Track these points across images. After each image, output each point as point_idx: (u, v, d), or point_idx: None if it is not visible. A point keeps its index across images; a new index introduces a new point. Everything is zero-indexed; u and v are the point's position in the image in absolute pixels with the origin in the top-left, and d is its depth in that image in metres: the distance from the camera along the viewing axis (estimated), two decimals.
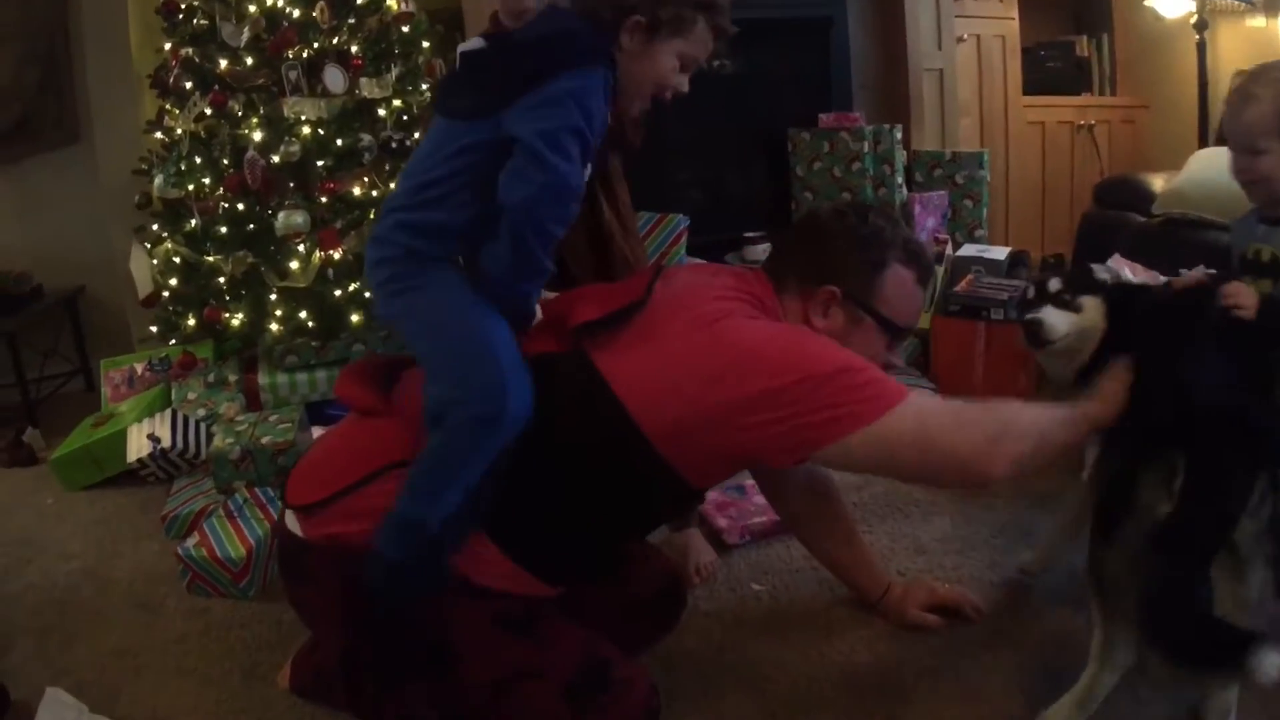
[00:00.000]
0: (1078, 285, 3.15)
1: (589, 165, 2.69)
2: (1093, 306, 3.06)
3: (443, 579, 2.55)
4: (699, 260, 5.70)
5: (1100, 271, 3.28)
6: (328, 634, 2.88)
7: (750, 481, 3.91)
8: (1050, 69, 7.72)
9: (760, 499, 3.80)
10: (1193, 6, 6.74)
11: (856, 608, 3.31)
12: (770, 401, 2.42)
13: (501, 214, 2.51)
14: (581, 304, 2.65)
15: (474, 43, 2.80)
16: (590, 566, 2.86)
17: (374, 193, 5.17)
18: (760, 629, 3.28)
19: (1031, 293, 3.17)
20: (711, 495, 3.94)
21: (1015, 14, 7.15)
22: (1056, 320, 3.06)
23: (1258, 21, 6.78)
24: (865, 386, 2.45)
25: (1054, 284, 3.15)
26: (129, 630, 3.54)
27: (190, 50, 5.22)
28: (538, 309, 2.76)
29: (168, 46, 5.34)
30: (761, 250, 5.99)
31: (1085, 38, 7.86)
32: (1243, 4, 6.64)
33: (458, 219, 2.60)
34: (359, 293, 5.06)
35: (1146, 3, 7.04)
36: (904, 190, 6.27)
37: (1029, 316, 3.09)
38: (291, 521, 2.70)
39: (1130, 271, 4.64)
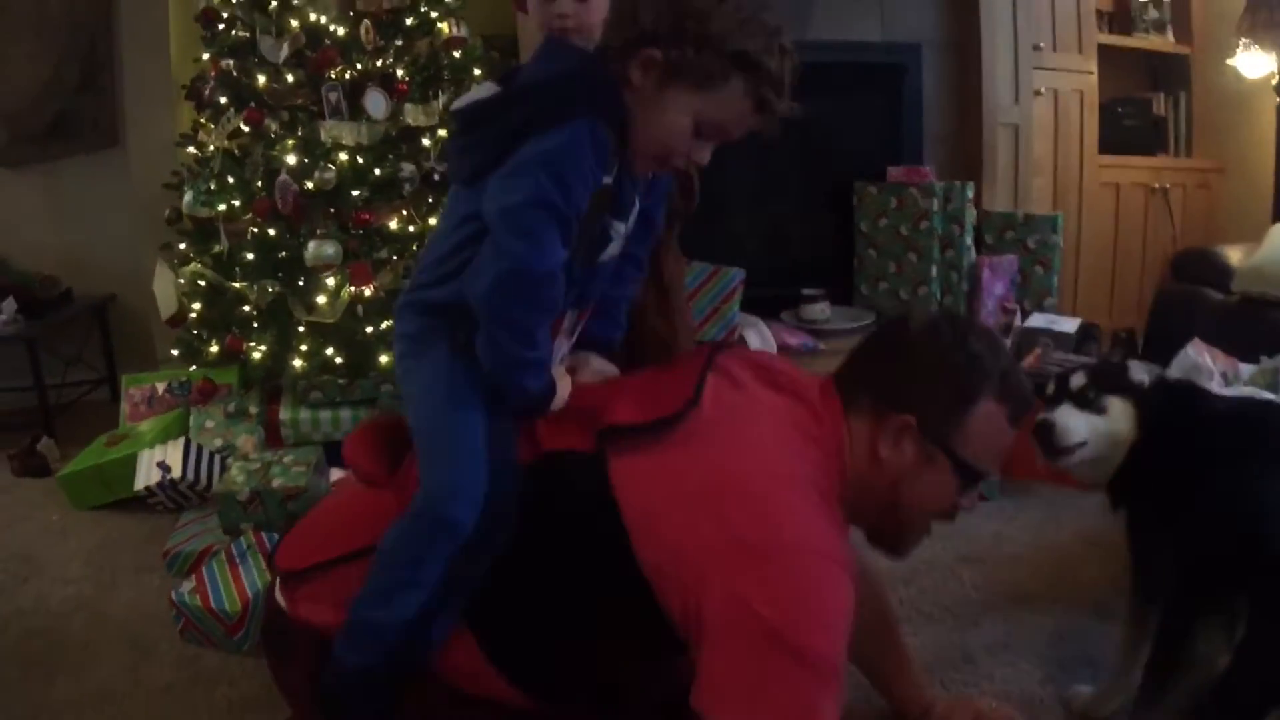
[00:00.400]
0: (1105, 382, 2.90)
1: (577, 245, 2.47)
2: (1120, 410, 2.85)
3: (392, 701, 2.41)
4: (755, 321, 5.57)
5: (1137, 371, 2.95)
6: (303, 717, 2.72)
7: None
8: (1127, 127, 7.52)
9: None
10: (1275, 67, 6.64)
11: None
12: (722, 622, 2.12)
13: None
14: (621, 400, 2.43)
15: (477, 92, 2.59)
16: (574, 689, 2.53)
17: (411, 228, 5.11)
18: None
19: (1051, 387, 2.94)
20: None
21: (1095, 68, 7.00)
22: (1074, 424, 2.86)
23: None
24: (807, 687, 2.10)
25: (1077, 379, 2.92)
26: (116, 671, 3.46)
27: (229, 62, 5.16)
28: (561, 389, 2.50)
29: (206, 57, 5.30)
30: (819, 310, 5.88)
31: (1162, 95, 7.74)
32: None
33: (460, 297, 2.41)
34: (389, 331, 4.82)
35: (1229, 61, 6.92)
36: (973, 253, 6.07)
37: (1042, 417, 2.87)
38: (279, 591, 2.55)
39: (1210, 359, 4.41)
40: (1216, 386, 4.10)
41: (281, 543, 2.68)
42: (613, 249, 2.62)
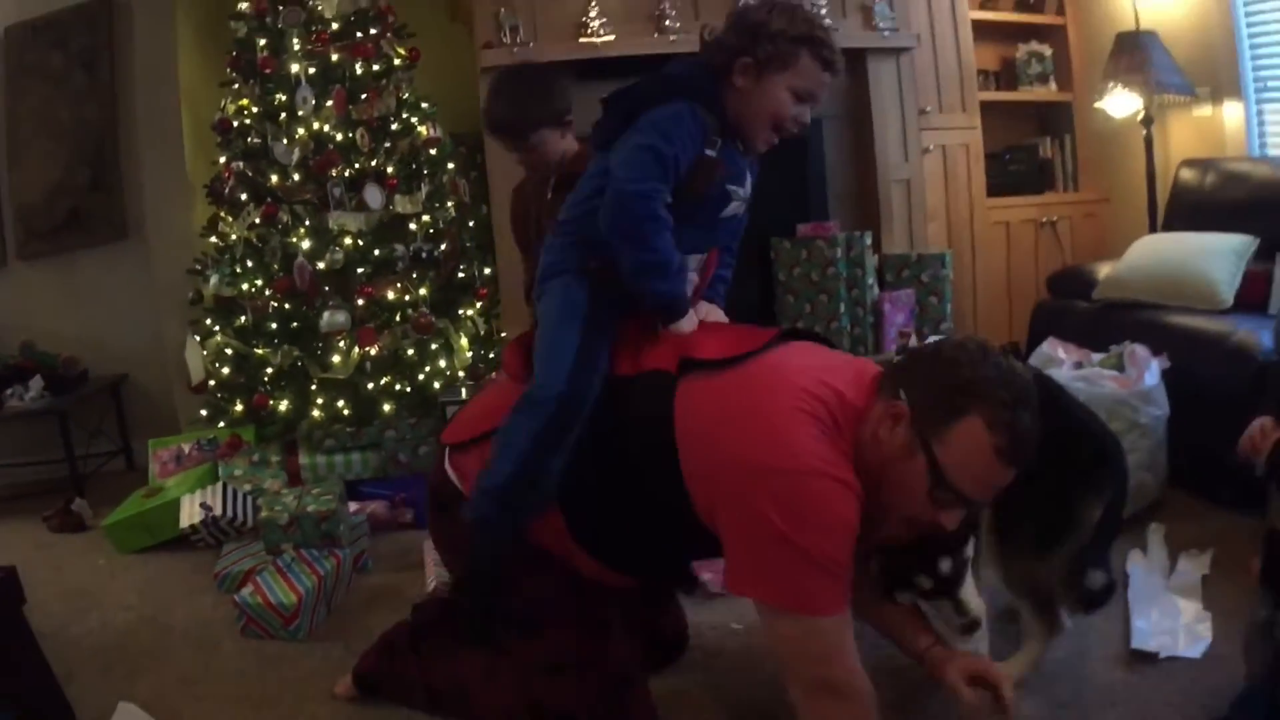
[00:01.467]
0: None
1: (693, 199, 3.11)
2: None
3: (510, 541, 3.11)
4: None
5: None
6: (454, 564, 3.50)
7: None
8: (1013, 171, 8.12)
9: None
10: (1140, 104, 7.09)
11: None
12: (739, 518, 2.68)
13: None
14: (709, 340, 3.00)
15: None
16: (638, 565, 3.25)
17: (406, 297, 5.73)
18: (737, 661, 3.74)
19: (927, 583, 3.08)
20: None
21: (978, 124, 7.62)
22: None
23: (1204, 111, 7.12)
24: (814, 582, 2.61)
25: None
26: (189, 666, 3.95)
27: (243, 165, 5.76)
28: (692, 315, 3.13)
29: (222, 160, 5.87)
30: None
31: (1049, 139, 8.26)
32: (1188, 97, 6.99)
33: (588, 229, 3.13)
34: (391, 384, 5.63)
35: (1098, 105, 7.38)
36: (875, 290, 6.72)
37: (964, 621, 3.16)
38: (447, 462, 3.30)
39: (1063, 352, 5.11)
40: (1066, 372, 4.81)
41: (448, 427, 3.44)
42: (733, 208, 3.25)
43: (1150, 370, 4.79)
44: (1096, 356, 5.09)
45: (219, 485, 5.38)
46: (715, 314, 3.39)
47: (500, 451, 3.08)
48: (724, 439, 2.75)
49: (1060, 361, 4.94)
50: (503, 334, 6.34)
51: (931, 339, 4.59)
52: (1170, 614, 3.78)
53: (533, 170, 4.35)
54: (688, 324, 3.12)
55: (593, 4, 6.43)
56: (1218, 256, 5.61)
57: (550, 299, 3.23)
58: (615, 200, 3.02)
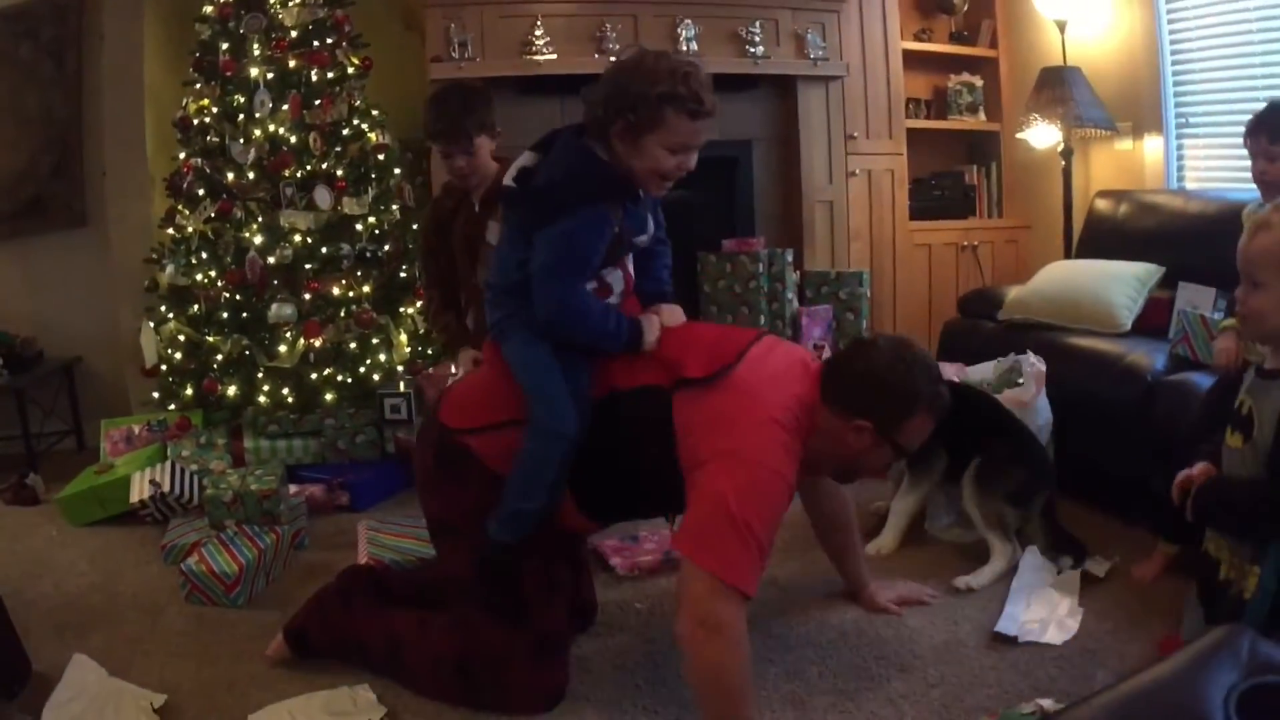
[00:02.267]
0: None
1: (608, 267, 3.51)
2: None
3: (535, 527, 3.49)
4: None
5: None
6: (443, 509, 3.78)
7: (643, 532, 4.82)
8: (938, 196, 8.31)
9: (650, 544, 4.72)
10: (1060, 137, 7.30)
11: None
12: (708, 499, 3.11)
13: None
14: (691, 357, 3.37)
15: (515, 169, 3.51)
16: (629, 516, 3.99)
17: (350, 293, 5.96)
18: (637, 634, 4.05)
19: None
20: (609, 542, 4.75)
21: (904, 150, 7.84)
22: None
23: (1125, 144, 7.32)
24: (735, 555, 3.03)
25: None
26: (136, 627, 4.17)
27: (201, 161, 5.96)
28: (649, 332, 3.48)
29: (182, 156, 6.08)
30: None
31: (976, 167, 8.44)
32: (1108, 131, 7.20)
33: (523, 301, 3.45)
34: (333, 375, 5.85)
35: (1019, 136, 7.60)
36: (794, 304, 6.92)
37: None
38: (463, 437, 3.59)
39: (955, 373, 5.39)
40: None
41: (443, 409, 3.71)
42: (640, 240, 3.63)
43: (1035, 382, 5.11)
44: (970, 369, 5.48)
45: (167, 464, 5.54)
46: (675, 315, 3.69)
47: (531, 484, 3.45)
48: (712, 437, 3.20)
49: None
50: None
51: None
52: (1046, 605, 4.04)
53: (464, 178, 4.57)
54: (650, 339, 3.50)
55: (538, 24, 6.63)
56: (1121, 282, 5.81)
57: (515, 350, 3.53)
58: (547, 318, 3.40)
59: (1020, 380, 5.20)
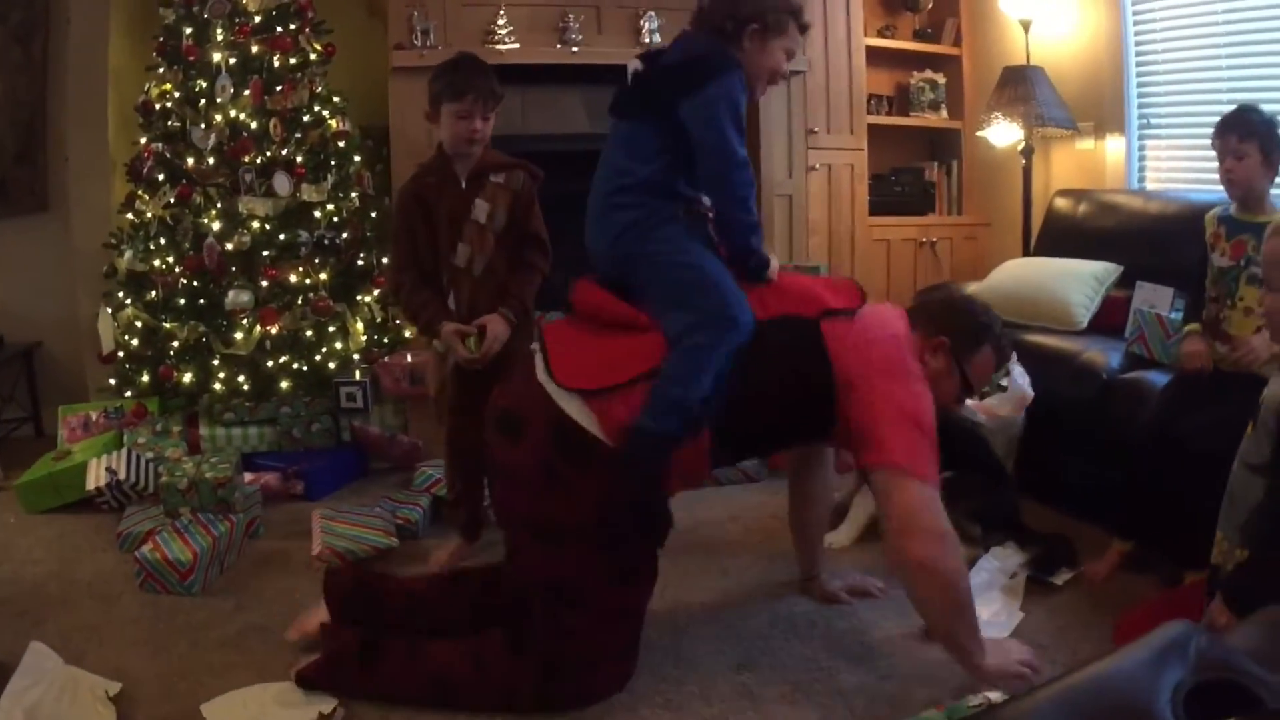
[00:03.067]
0: None
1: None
2: None
3: (686, 442, 3.43)
4: None
5: None
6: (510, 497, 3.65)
7: None
8: (898, 193, 8.38)
9: None
10: (1020, 135, 7.33)
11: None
12: (888, 409, 3.38)
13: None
14: (829, 293, 3.64)
15: (634, 65, 3.75)
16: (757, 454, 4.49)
17: (307, 281, 5.95)
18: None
19: None
20: None
21: (864, 146, 7.88)
22: None
23: (1087, 144, 7.37)
24: (926, 451, 3.36)
25: None
26: (91, 614, 4.18)
27: (161, 146, 5.94)
28: (773, 264, 3.70)
29: (143, 140, 6.04)
30: None
31: (937, 164, 8.52)
32: (1069, 130, 7.26)
33: (672, 183, 3.60)
34: (289, 363, 5.86)
35: (979, 134, 7.66)
36: None
37: None
38: (562, 399, 3.39)
39: None
40: None
41: (563, 370, 3.44)
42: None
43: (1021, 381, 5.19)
44: None
45: (124, 451, 5.54)
46: (774, 264, 3.80)
47: (697, 372, 3.38)
48: (874, 355, 3.48)
49: None
50: (396, 320, 6.51)
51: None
52: (989, 604, 4.09)
53: (471, 142, 4.45)
54: (774, 270, 3.73)
55: (501, 13, 6.65)
56: (1078, 281, 5.87)
57: (667, 243, 3.58)
58: (725, 169, 3.55)
59: (1004, 384, 5.26)
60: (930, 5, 8.63)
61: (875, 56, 8.22)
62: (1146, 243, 5.85)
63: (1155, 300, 5.05)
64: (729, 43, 3.63)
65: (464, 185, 4.48)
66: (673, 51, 3.72)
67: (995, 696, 3.30)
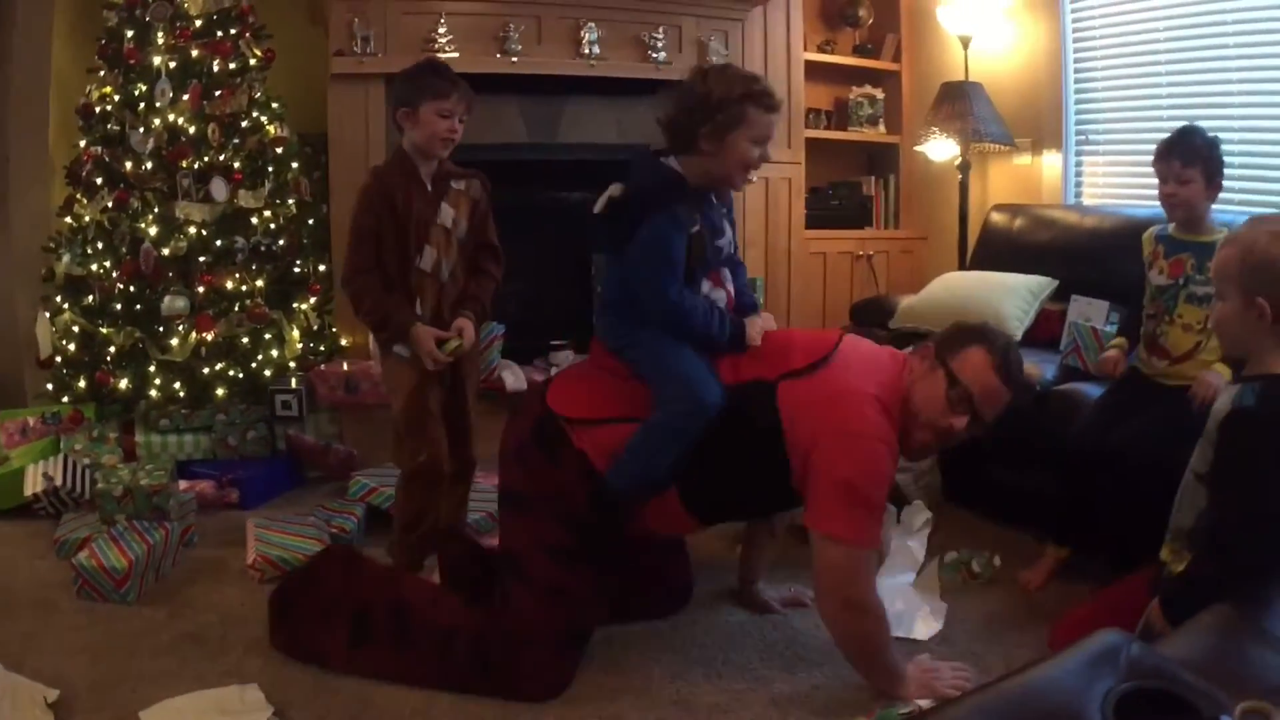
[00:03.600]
0: None
1: (708, 283, 3.81)
2: None
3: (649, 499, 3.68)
4: (510, 364, 6.56)
5: None
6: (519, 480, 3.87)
7: None
8: (835, 206, 8.44)
9: None
10: (957, 150, 7.45)
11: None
12: (828, 477, 3.42)
13: None
14: (794, 352, 3.64)
15: (611, 191, 3.79)
16: (731, 518, 4.20)
17: (244, 287, 5.94)
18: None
19: None
20: None
21: (802, 160, 7.96)
22: None
23: (1024, 160, 7.50)
24: (860, 519, 3.42)
25: None
26: (29, 621, 4.14)
27: (101, 150, 5.92)
28: (752, 332, 3.75)
29: (83, 144, 6.02)
30: (564, 356, 6.81)
31: (874, 178, 8.60)
32: (1006, 146, 7.36)
33: (635, 316, 3.73)
34: (225, 370, 5.84)
35: (916, 149, 7.79)
36: None
37: None
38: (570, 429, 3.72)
39: None
40: None
41: (551, 394, 3.82)
42: (722, 243, 3.88)
43: None
44: None
45: (61, 457, 5.50)
46: (770, 321, 3.99)
47: (653, 449, 3.63)
48: (825, 417, 3.49)
49: None
50: (333, 328, 6.55)
51: None
52: (905, 600, 4.21)
53: (447, 143, 4.47)
54: (753, 334, 3.77)
55: (441, 21, 6.67)
56: (1012, 294, 5.95)
57: (647, 346, 3.74)
58: (658, 309, 3.67)
59: None
60: (870, 21, 8.71)
61: (814, 71, 8.32)
62: (1082, 257, 5.96)
63: (1090, 313, 5.09)
64: (686, 150, 3.72)
65: (429, 189, 4.48)
66: (630, 174, 3.84)
67: (925, 703, 3.35)
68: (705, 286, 3.84)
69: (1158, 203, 4.54)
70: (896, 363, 3.75)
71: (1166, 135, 4.47)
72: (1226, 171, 4.43)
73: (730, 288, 3.94)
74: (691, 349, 3.68)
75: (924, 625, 4.09)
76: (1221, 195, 4.43)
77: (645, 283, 3.66)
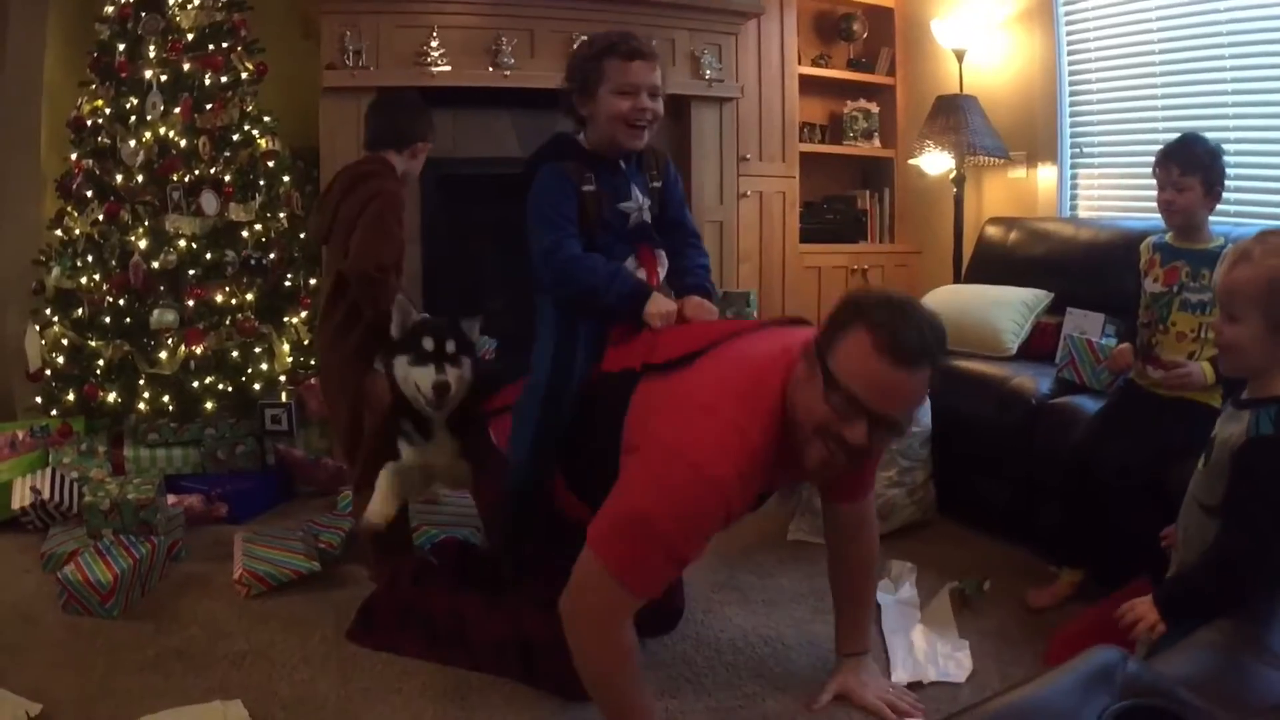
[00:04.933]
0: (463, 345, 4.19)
1: (595, 227, 3.80)
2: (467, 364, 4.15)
3: (533, 486, 3.76)
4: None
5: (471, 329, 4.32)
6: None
7: None
8: (830, 220, 8.42)
9: None
10: (952, 164, 7.44)
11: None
12: (623, 494, 3.04)
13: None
14: (671, 342, 3.41)
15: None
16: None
17: (233, 301, 5.92)
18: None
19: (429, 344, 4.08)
20: None
21: (796, 174, 7.94)
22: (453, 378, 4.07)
23: (1019, 173, 7.47)
24: (637, 552, 2.94)
25: (450, 345, 4.11)
26: (13, 634, 4.13)
27: (91, 163, 5.91)
28: (657, 306, 3.62)
29: (74, 157, 6.01)
30: None
31: (868, 192, 8.58)
32: (1001, 159, 7.34)
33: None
34: (215, 384, 5.81)
35: (911, 162, 7.79)
36: None
37: (438, 379, 4.02)
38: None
39: None
40: None
41: (488, 403, 4.10)
42: (635, 218, 3.90)
43: None
44: None
45: (49, 471, 5.47)
46: (703, 308, 3.80)
47: (515, 430, 3.82)
48: (649, 424, 3.15)
49: None
50: None
51: None
52: (930, 643, 4.04)
53: (407, 177, 4.72)
54: (656, 306, 3.63)
55: (434, 35, 6.62)
56: (1007, 307, 5.92)
57: (537, 322, 3.87)
58: (539, 264, 3.72)
59: None
60: (865, 35, 8.72)
61: (809, 85, 8.32)
62: (1077, 270, 5.93)
63: (1086, 326, 5.11)
64: (578, 121, 3.92)
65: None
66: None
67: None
68: (630, 264, 3.87)
69: (1154, 215, 4.54)
70: (779, 367, 3.10)
71: (1164, 145, 4.45)
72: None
73: (661, 270, 3.96)
74: (568, 324, 3.72)
75: (956, 667, 3.86)
76: (1217, 206, 4.39)
77: (532, 236, 3.73)
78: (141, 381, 5.81)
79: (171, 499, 5.33)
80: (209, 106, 6.02)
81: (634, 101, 3.73)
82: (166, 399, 5.80)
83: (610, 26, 6.91)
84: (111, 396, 5.81)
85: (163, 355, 5.76)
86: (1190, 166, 4.27)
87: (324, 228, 4.64)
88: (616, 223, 3.85)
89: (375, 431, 4.43)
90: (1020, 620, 4.27)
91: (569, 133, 3.96)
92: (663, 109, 3.89)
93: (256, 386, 5.99)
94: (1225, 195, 4.45)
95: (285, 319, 6.31)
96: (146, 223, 5.86)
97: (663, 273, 3.97)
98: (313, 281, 6.42)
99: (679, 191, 4.24)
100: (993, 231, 6.88)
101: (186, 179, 5.92)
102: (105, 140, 5.97)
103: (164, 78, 5.97)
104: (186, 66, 6.03)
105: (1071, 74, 7.13)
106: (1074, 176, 7.24)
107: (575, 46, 4.08)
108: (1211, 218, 4.44)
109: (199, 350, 5.80)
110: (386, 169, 4.59)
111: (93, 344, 5.85)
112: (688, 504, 2.94)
